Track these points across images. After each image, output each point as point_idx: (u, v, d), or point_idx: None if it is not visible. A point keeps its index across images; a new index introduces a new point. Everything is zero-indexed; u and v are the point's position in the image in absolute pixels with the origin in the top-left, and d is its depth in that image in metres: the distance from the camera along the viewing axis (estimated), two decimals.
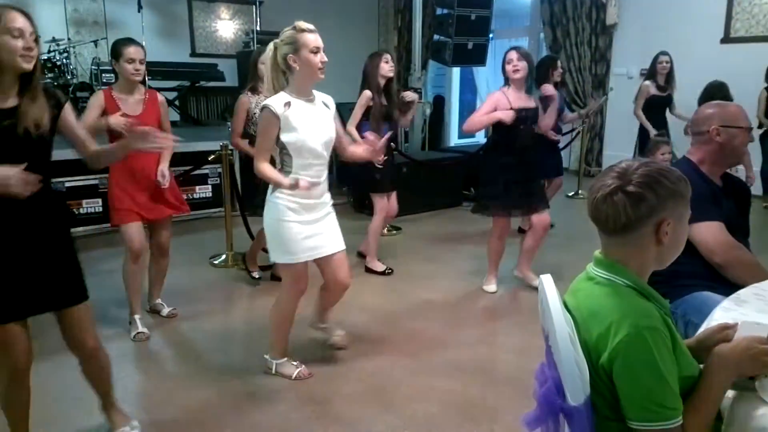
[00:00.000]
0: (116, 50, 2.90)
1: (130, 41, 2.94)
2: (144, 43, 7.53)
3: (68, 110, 1.91)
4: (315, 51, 2.31)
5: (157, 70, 6.90)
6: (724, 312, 1.61)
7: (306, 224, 2.42)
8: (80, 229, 4.82)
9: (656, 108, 5.42)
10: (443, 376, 2.71)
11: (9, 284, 1.79)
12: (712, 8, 6.61)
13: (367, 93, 3.84)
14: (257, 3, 8.58)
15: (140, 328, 3.08)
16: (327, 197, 2.53)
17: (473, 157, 6.34)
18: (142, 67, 2.93)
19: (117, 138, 2.75)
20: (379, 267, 4.12)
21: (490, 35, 7.17)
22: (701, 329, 1.59)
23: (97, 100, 2.91)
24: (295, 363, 2.68)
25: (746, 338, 1.23)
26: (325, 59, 2.34)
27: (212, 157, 4.32)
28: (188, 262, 4.21)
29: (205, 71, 7.91)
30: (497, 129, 3.49)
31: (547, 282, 1.27)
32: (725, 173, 2.23)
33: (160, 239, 3.20)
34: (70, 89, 6.50)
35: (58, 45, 6.75)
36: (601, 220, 1.23)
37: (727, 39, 6.61)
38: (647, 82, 5.41)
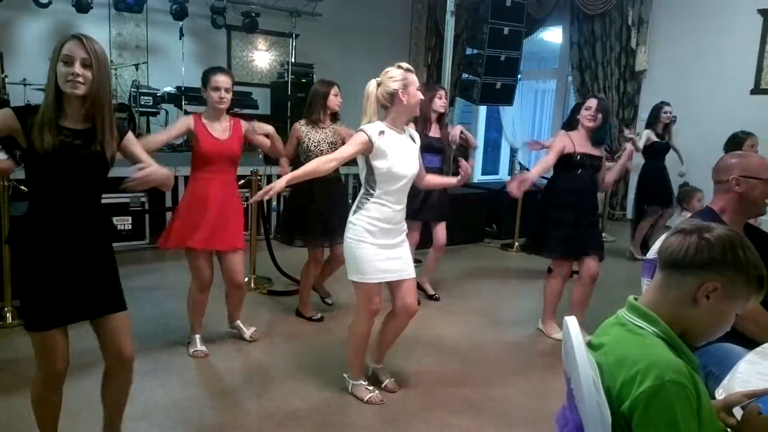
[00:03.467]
0: (205, 78, 2.99)
1: (218, 70, 3.01)
2: (182, 70, 7.79)
3: (130, 138, 2.02)
4: (419, 89, 2.56)
5: (193, 95, 7.12)
6: (749, 365, 1.61)
7: (382, 248, 2.56)
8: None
9: (657, 154, 5.48)
10: (459, 413, 2.70)
11: (54, 292, 1.87)
12: (743, 59, 6.64)
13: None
14: (294, 36, 8.87)
15: (198, 347, 3.15)
16: (403, 225, 2.68)
17: (497, 194, 6.40)
18: (228, 96, 2.98)
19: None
20: (430, 290, 4.32)
21: (519, 76, 7.27)
22: (724, 381, 1.59)
23: (186, 122, 3.01)
24: (369, 387, 2.78)
25: None
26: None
27: (242, 181, 4.42)
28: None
29: (240, 99, 8.13)
30: (558, 171, 3.54)
31: (571, 324, 1.28)
32: (748, 224, 2.23)
33: (232, 274, 3.14)
34: None
35: None
36: (664, 247, 1.25)
37: (757, 90, 6.61)
38: (648, 131, 5.45)
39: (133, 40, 8.00)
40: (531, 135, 10.86)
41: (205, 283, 3.08)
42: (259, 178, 4.45)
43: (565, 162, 3.43)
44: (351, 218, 2.59)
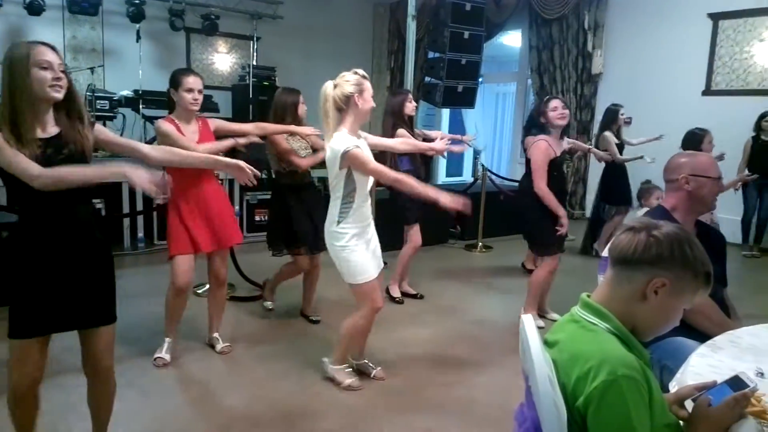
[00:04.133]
0: (175, 79, 2.94)
1: (189, 71, 3.00)
2: (140, 73, 7.62)
3: (98, 128, 1.98)
4: (372, 96, 2.70)
5: (152, 99, 6.97)
6: (701, 358, 1.65)
7: (367, 244, 2.74)
8: None
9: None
10: (424, 414, 2.71)
11: (39, 300, 1.82)
12: (695, 62, 6.87)
13: (402, 131, 3.97)
14: (255, 39, 8.77)
15: (162, 354, 3.07)
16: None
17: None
18: (201, 97, 2.96)
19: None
20: (396, 293, 4.31)
21: (480, 79, 7.36)
22: (677, 375, 1.63)
23: (170, 127, 2.91)
24: (353, 373, 2.92)
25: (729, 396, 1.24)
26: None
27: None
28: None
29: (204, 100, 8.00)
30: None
31: (528, 322, 1.30)
32: (699, 221, 2.30)
33: (218, 270, 3.19)
34: None
35: None
36: (614, 245, 1.28)
37: (708, 91, 6.85)
38: (608, 133, 5.56)
39: (89, 43, 7.79)
40: (493, 137, 11.02)
41: (184, 287, 3.01)
42: (221, 181, 4.36)
43: (550, 166, 3.53)
44: (335, 228, 2.67)
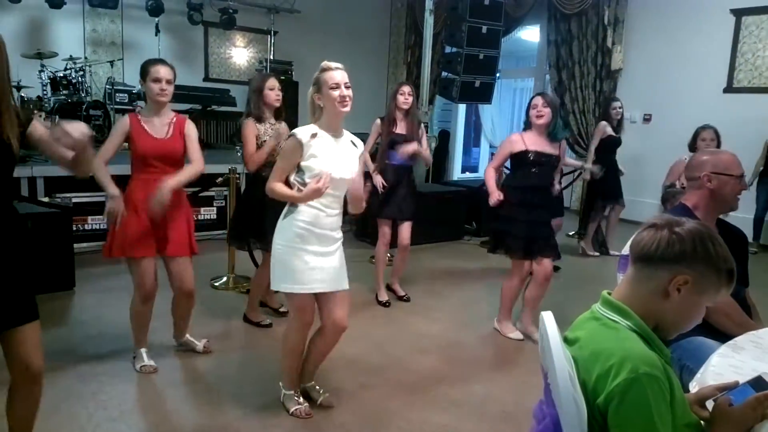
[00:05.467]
0: (144, 69, 2.77)
1: (158, 61, 2.82)
2: None
3: (35, 125, 1.83)
4: (334, 87, 2.36)
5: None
6: (722, 358, 1.63)
7: (315, 255, 2.40)
8: (84, 245, 4.87)
9: (611, 148, 5.57)
10: (438, 410, 2.71)
11: None
12: (716, 58, 6.77)
13: (377, 121, 3.98)
14: (272, 33, 8.80)
15: (146, 361, 2.92)
16: (339, 233, 2.51)
17: (476, 192, 6.43)
18: (169, 88, 2.76)
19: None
20: (382, 296, 4.17)
21: (497, 75, 7.31)
22: (698, 375, 1.61)
23: (121, 126, 2.76)
24: (300, 399, 2.61)
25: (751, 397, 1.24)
26: (345, 93, 2.37)
27: (220, 179, 4.38)
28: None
29: (218, 96, 8.07)
30: (513, 170, 3.59)
31: (548, 319, 1.29)
32: (721, 220, 2.27)
33: (181, 278, 2.90)
34: (84, 107, 6.62)
35: (74, 63, 6.90)
36: (636, 242, 1.27)
37: (729, 89, 6.74)
38: (604, 123, 5.54)
39: (108, 36, 7.87)
40: (510, 132, 10.95)
41: (148, 294, 2.83)
42: (237, 176, 4.40)
43: (519, 160, 3.45)
44: (281, 222, 2.44)
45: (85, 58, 7.31)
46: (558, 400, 1.18)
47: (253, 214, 3.43)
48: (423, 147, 4.10)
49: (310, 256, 2.39)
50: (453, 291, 4.54)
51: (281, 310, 3.76)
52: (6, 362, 1.86)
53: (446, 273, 5.02)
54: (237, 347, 3.34)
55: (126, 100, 7.10)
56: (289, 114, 3.57)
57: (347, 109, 2.40)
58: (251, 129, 3.36)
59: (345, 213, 2.54)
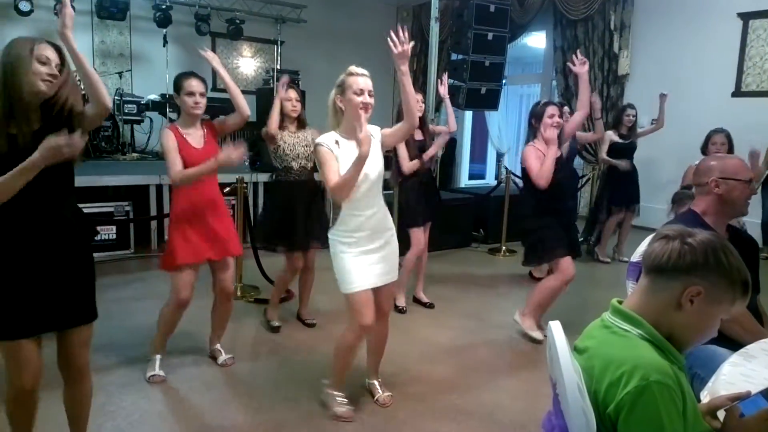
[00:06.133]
0: (177, 84, 2.86)
1: (191, 74, 2.89)
2: (167, 77, 7.75)
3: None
4: (359, 93, 2.42)
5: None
6: (733, 367, 1.61)
7: (364, 254, 2.49)
8: (94, 255, 4.89)
9: (619, 155, 5.55)
10: (447, 420, 2.69)
11: (22, 300, 1.81)
12: (724, 63, 6.73)
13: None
14: (279, 43, 8.86)
15: (156, 370, 2.95)
16: (386, 224, 2.58)
17: (483, 199, 6.42)
18: (203, 100, 2.86)
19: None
20: (401, 302, 4.18)
21: (503, 81, 7.31)
22: (709, 384, 1.60)
23: (171, 141, 2.79)
24: (344, 401, 2.67)
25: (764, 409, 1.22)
26: (368, 101, 2.44)
27: (228, 189, 4.40)
28: (196, 293, 4.23)
29: (225, 106, 8.09)
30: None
31: (556, 329, 1.28)
32: (731, 226, 2.25)
33: (224, 283, 3.03)
34: None
35: None
36: (648, 253, 1.26)
37: (738, 92, 6.70)
38: (609, 132, 5.53)
39: (117, 47, 7.95)
40: (517, 139, 10.93)
41: (185, 301, 2.91)
42: (245, 185, 4.42)
43: None
44: (329, 233, 2.58)
45: (94, 69, 7.37)
46: (567, 412, 1.17)
47: (278, 218, 3.56)
48: (441, 132, 4.20)
49: (358, 255, 2.49)
50: (462, 299, 4.52)
51: (307, 322, 3.82)
52: (57, 358, 1.97)
53: (454, 280, 5.00)
54: (246, 357, 3.33)
55: (135, 111, 7.17)
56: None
57: (367, 115, 2.45)
58: (275, 129, 3.54)
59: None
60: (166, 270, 2.91)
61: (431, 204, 4.18)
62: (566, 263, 3.48)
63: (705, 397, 1.51)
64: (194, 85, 2.84)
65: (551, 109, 3.45)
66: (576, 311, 3.92)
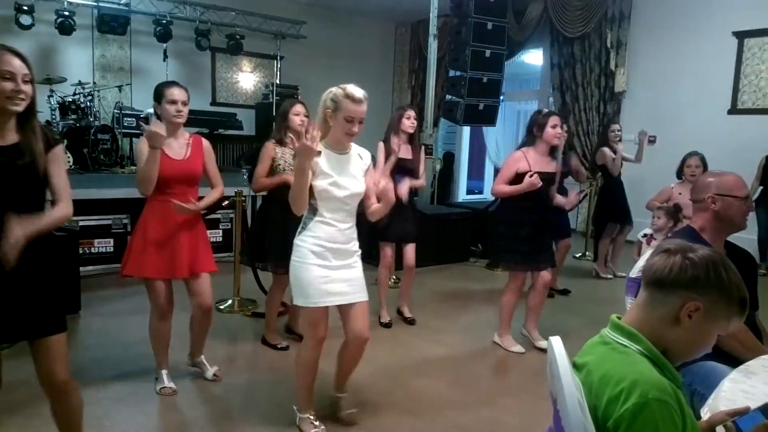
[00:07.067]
0: (158, 92, 2.78)
1: (172, 83, 2.84)
2: None
3: (56, 152, 1.87)
4: (349, 120, 2.39)
5: None
6: (733, 384, 1.61)
7: (330, 269, 2.42)
8: (90, 268, 4.88)
9: (610, 172, 5.61)
10: None
11: None
12: (720, 81, 6.80)
13: (380, 144, 3.96)
14: (278, 58, 8.92)
15: (166, 383, 2.92)
16: (354, 245, 2.52)
17: (481, 213, 6.43)
18: (185, 109, 2.78)
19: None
20: (385, 317, 4.14)
21: (501, 97, 7.37)
22: (709, 400, 1.59)
23: (144, 147, 2.68)
24: (316, 422, 2.59)
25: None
26: (356, 130, 2.41)
27: (226, 202, 4.40)
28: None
29: (225, 120, 8.15)
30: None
31: (556, 345, 1.27)
32: (729, 242, 2.26)
33: (199, 296, 2.93)
34: (92, 131, 6.69)
35: (83, 88, 7.00)
36: (648, 266, 1.26)
37: (734, 110, 6.76)
38: (605, 149, 5.55)
39: (117, 61, 8.00)
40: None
41: (164, 311, 2.85)
42: (243, 198, 4.42)
43: (521, 180, 3.40)
44: (296, 239, 2.47)
45: (94, 83, 7.42)
46: (567, 428, 1.16)
47: (265, 236, 3.46)
48: (421, 171, 4.13)
49: (324, 270, 2.41)
50: (459, 313, 4.51)
51: (299, 333, 3.73)
52: (37, 375, 1.92)
53: (452, 295, 4.99)
54: (244, 370, 3.31)
55: (134, 125, 7.19)
56: None
57: (352, 139, 2.47)
58: (269, 151, 3.40)
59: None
60: (121, 276, 2.87)
61: (402, 222, 4.04)
62: (513, 276, 3.63)
63: (705, 413, 1.50)
64: (176, 93, 2.76)
65: (554, 119, 3.43)
66: (577, 329, 3.91)
